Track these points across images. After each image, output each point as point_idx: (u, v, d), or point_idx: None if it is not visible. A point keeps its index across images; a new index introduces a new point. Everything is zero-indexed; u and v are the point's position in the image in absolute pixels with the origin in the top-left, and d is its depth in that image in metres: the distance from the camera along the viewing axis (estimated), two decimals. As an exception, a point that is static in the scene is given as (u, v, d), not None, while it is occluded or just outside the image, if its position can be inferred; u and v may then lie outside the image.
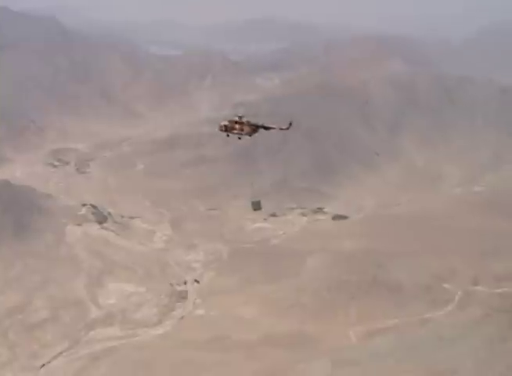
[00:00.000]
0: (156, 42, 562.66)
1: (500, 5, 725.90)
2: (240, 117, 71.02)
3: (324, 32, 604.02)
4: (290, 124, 67.16)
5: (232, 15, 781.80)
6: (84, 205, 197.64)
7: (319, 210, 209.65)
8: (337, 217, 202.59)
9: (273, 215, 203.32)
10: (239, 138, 71.63)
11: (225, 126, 71.55)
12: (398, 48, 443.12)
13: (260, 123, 70.60)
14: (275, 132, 70.33)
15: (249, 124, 70.44)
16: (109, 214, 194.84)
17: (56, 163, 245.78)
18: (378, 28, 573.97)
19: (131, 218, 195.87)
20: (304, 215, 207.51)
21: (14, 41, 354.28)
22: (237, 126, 70.90)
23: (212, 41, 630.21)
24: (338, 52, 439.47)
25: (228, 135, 72.23)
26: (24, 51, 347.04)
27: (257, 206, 77.40)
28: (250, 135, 70.79)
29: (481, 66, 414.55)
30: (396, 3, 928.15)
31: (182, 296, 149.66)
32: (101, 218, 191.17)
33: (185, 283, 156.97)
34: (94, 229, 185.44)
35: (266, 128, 70.06)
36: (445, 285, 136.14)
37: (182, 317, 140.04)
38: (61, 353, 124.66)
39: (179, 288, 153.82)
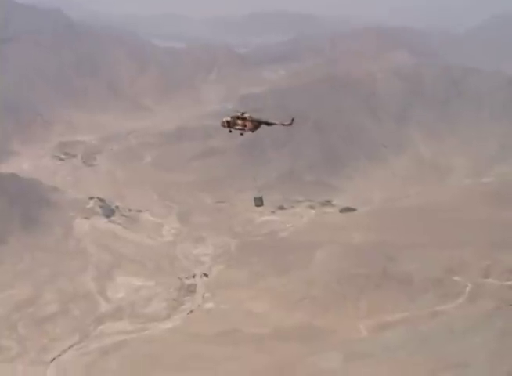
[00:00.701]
0: (160, 35, 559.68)
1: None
2: (243, 113, 70.04)
3: (329, 24, 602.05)
4: (293, 120, 66.22)
5: (234, 8, 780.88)
6: (91, 198, 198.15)
7: (327, 202, 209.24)
8: (345, 209, 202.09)
9: (281, 208, 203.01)
10: (242, 134, 70.90)
11: (228, 122, 70.57)
12: (403, 40, 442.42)
13: (263, 119, 69.84)
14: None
15: (251, 119, 69.69)
16: (117, 207, 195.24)
17: (63, 156, 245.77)
18: (382, 20, 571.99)
19: (139, 211, 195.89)
20: (312, 207, 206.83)
21: (20, 34, 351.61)
22: (239, 122, 69.83)
23: (216, 34, 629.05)
24: (344, 43, 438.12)
25: (230, 131, 71.52)
26: (30, 43, 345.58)
27: (259, 202, 76.83)
28: (252, 131, 69.88)
29: (486, 57, 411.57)
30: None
31: (191, 290, 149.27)
32: (109, 212, 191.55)
33: (193, 276, 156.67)
34: (102, 222, 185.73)
35: (268, 124, 69.03)
36: (456, 278, 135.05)
37: (191, 311, 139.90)
38: (71, 347, 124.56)
39: (188, 282, 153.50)
